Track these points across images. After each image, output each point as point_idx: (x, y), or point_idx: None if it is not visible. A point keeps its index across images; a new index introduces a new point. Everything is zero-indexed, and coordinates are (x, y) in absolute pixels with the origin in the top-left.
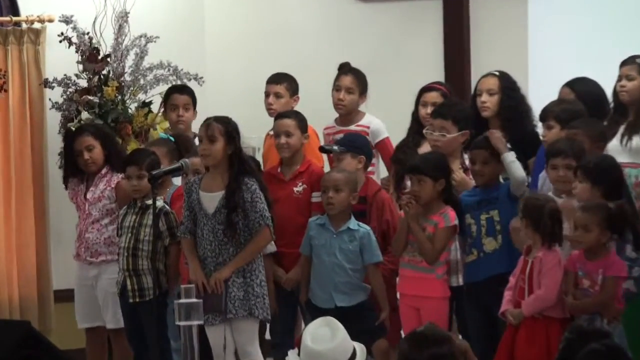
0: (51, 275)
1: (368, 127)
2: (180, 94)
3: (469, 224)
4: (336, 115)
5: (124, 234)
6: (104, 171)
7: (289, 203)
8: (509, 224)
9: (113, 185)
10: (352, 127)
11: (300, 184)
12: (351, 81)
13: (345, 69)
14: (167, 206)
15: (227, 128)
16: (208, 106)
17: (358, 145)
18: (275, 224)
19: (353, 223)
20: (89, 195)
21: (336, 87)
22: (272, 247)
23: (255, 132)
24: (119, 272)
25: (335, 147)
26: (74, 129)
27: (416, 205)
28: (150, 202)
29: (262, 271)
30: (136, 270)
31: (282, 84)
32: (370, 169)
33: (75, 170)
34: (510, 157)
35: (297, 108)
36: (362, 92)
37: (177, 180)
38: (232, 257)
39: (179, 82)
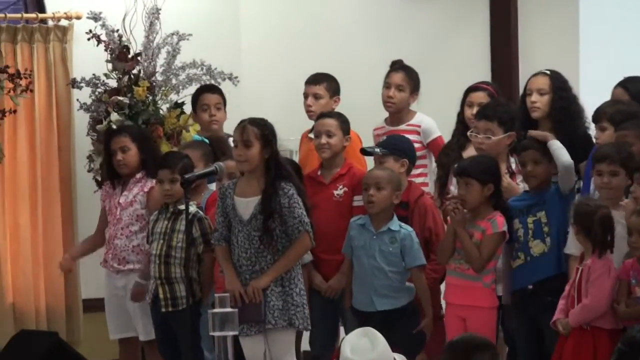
0: (79, 283)
1: (419, 127)
2: (211, 93)
3: (516, 229)
4: (383, 115)
5: (155, 240)
6: (138, 176)
7: (329, 207)
8: (557, 225)
9: (147, 190)
10: (402, 127)
11: (340, 186)
12: (402, 78)
13: (396, 65)
14: (200, 212)
15: (263, 131)
16: (243, 107)
17: (401, 147)
18: (315, 229)
19: (395, 224)
20: (121, 200)
21: (386, 85)
22: (308, 257)
23: (292, 134)
24: (151, 280)
25: (377, 150)
26: (114, 127)
27: (462, 210)
28: (183, 207)
29: (301, 279)
30: (168, 278)
31: (322, 84)
32: (421, 170)
33: (113, 172)
34: (556, 144)
35: (338, 110)
36: (413, 90)
37: (213, 185)
38: (269, 265)
39: (212, 82)
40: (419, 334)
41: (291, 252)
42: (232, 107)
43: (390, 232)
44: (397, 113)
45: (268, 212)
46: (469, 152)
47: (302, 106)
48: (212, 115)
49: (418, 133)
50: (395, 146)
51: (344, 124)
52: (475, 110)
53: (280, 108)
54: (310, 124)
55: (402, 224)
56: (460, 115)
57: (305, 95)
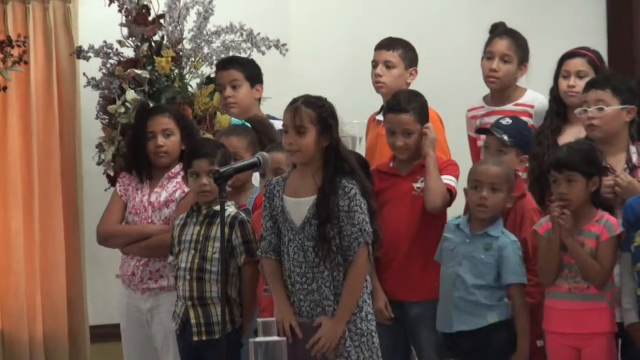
0: (86, 305)
1: (532, 107)
2: (224, 70)
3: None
4: (471, 92)
5: (184, 250)
6: (175, 169)
7: (404, 203)
8: None
9: (186, 189)
10: (509, 107)
11: (421, 179)
12: (507, 46)
13: (499, 30)
14: (242, 214)
15: (320, 113)
16: (292, 83)
17: (529, 140)
18: (385, 230)
19: (496, 228)
20: (153, 198)
21: (487, 55)
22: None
23: (355, 116)
24: (177, 301)
25: (505, 137)
26: (151, 104)
27: (569, 214)
28: (218, 207)
29: (368, 300)
30: (202, 299)
31: (396, 50)
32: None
33: (140, 162)
34: None
35: (414, 86)
36: (521, 61)
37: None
38: (327, 283)
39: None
40: None
41: (353, 276)
42: (279, 84)
43: (487, 237)
44: (502, 90)
45: (325, 215)
46: (567, 137)
47: (366, 83)
48: (227, 96)
49: (529, 115)
50: (524, 138)
51: (421, 113)
52: (572, 81)
53: (339, 84)
54: (378, 102)
55: (506, 230)
56: (555, 90)
57: (375, 64)
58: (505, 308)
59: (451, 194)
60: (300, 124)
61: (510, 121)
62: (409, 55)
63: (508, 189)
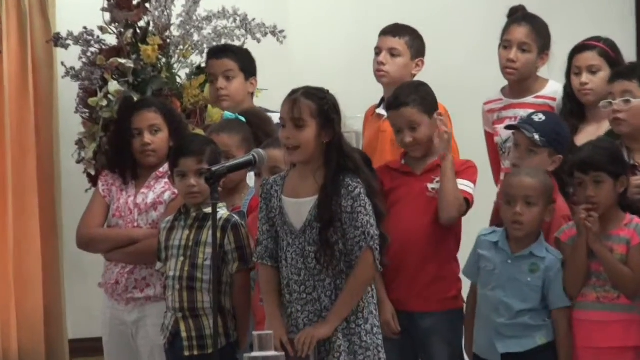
0: (65, 318)
1: (554, 100)
2: (216, 59)
3: None
4: (484, 83)
5: (173, 257)
6: (164, 168)
7: (417, 204)
8: None
9: (176, 190)
10: (529, 100)
11: (437, 178)
12: (526, 33)
13: (518, 15)
14: (235, 216)
15: (321, 106)
16: (290, 73)
17: (563, 140)
18: (394, 233)
19: (540, 247)
20: (139, 199)
21: (504, 43)
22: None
23: (358, 109)
24: (167, 312)
25: (536, 136)
26: (136, 97)
27: (597, 218)
28: (209, 210)
29: (375, 311)
30: (193, 310)
31: (403, 38)
32: None
33: (123, 160)
34: None
35: (420, 77)
36: (542, 49)
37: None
38: (327, 293)
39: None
40: None
41: (354, 282)
42: (276, 74)
43: (532, 258)
44: (521, 81)
45: (327, 218)
46: (583, 137)
47: (369, 74)
48: (220, 88)
49: (551, 108)
50: (558, 137)
51: (425, 103)
52: (584, 77)
53: (342, 75)
54: (378, 94)
55: (550, 247)
56: (568, 87)
57: (378, 51)
58: (551, 328)
59: (468, 202)
60: (300, 117)
61: (543, 118)
62: (416, 44)
63: (545, 201)
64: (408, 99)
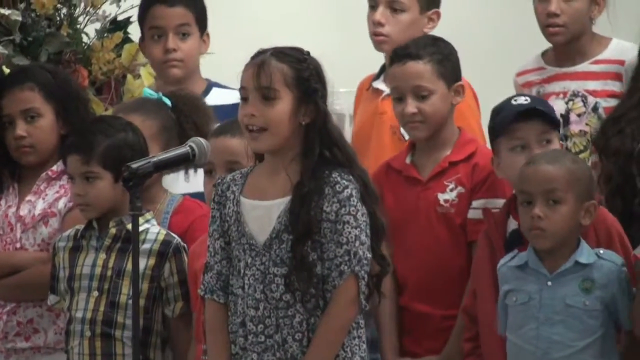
0: None
1: (621, 63)
2: (168, 6)
3: None
4: (521, 48)
5: (82, 291)
6: (58, 166)
7: (429, 221)
8: None
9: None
10: (584, 67)
11: (451, 184)
12: None
13: None
14: (177, 237)
15: (299, 71)
16: (253, 32)
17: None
18: (400, 264)
19: (584, 252)
20: (23, 211)
21: None
22: None
23: (344, 84)
24: None
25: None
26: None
27: None
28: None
29: (362, 344)
30: None
31: None
32: None
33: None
34: None
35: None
36: None
37: (181, 187)
38: (297, 336)
39: None
40: None
41: (327, 325)
42: (234, 32)
43: (581, 269)
44: (571, 42)
45: (303, 227)
46: None
47: (362, 35)
48: (170, 49)
49: (618, 77)
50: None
51: (448, 64)
52: None
53: (327, 34)
54: (375, 64)
55: (602, 250)
56: None
57: (373, 3)
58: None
59: None
60: (269, 85)
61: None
62: None
63: (579, 196)
64: (422, 51)
